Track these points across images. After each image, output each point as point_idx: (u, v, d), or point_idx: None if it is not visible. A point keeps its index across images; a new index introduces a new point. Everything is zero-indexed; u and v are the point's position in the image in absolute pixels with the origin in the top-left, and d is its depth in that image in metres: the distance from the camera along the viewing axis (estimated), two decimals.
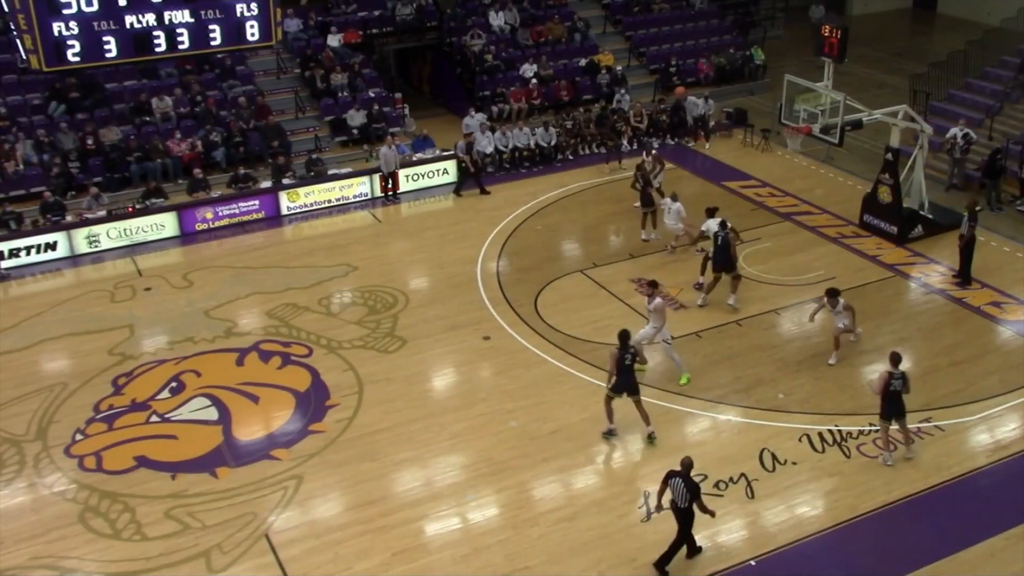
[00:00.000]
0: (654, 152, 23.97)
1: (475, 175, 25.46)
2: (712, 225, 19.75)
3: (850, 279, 20.46)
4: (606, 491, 14.72)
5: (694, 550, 13.37)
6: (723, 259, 19.14)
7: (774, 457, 15.25)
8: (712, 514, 13.16)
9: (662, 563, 13.11)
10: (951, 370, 17.43)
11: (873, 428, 15.76)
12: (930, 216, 22.63)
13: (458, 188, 25.43)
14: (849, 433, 15.77)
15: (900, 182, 22.09)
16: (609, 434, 15.81)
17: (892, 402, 14.76)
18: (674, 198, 21.57)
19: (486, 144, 26.60)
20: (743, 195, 24.76)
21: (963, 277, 20.18)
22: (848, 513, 14.16)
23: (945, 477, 14.86)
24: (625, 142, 27.44)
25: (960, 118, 25.45)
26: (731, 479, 14.77)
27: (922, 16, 41.03)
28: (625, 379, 15.33)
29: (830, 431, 15.83)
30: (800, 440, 15.67)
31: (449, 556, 13.63)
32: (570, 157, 27.56)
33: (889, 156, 22.06)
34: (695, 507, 12.91)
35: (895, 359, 14.86)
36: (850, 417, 16.17)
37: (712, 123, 29.00)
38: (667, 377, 17.32)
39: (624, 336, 15.37)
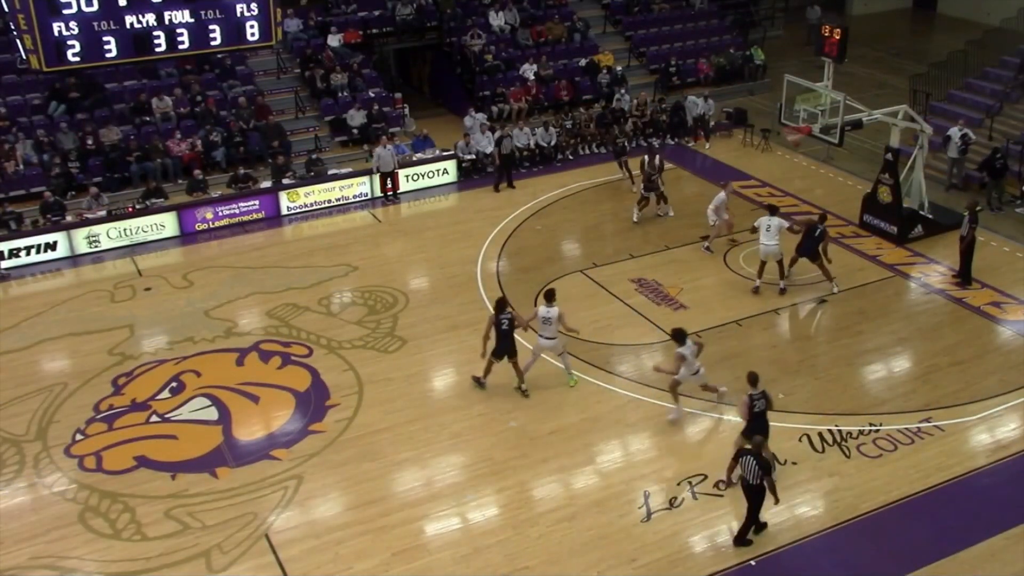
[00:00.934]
0: (657, 156, 23.85)
1: (507, 169, 25.65)
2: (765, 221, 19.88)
3: (850, 279, 20.47)
4: (606, 491, 14.72)
5: (760, 527, 13.58)
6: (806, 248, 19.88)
7: (774, 457, 15.23)
8: (777, 499, 13.26)
9: (740, 539, 13.45)
10: (951, 370, 17.42)
11: (873, 428, 15.77)
12: (930, 216, 22.63)
13: (497, 183, 25.70)
14: (849, 433, 15.76)
15: (900, 182, 22.09)
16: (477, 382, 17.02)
17: (758, 423, 14.22)
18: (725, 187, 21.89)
19: (486, 144, 26.60)
20: (743, 195, 24.73)
21: (963, 277, 20.17)
22: (848, 513, 14.16)
23: (945, 477, 14.85)
24: (625, 141, 27.45)
25: (960, 118, 25.45)
26: (731, 479, 14.75)
27: (922, 16, 41.03)
28: (503, 344, 16.53)
29: (830, 431, 15.82)
30: (800, 440, 15.67)
31: (449, 556, 13.62)
32: (570, 157, 27.57)
33: (889, 156, 22.06)
34: (765, 484, 13.03)
35: (752, 379, 14.34)
36: (850, 417, 16.16)
37: (712, 123, 29.00)
38: (667, 377, 17.28)
39: (501, 302, 16.73)
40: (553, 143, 27.26)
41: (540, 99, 29.39)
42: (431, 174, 25.88)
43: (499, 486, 14.88)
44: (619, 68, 30.84)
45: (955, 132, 24.33)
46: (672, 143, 28.48)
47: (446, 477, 15.09)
